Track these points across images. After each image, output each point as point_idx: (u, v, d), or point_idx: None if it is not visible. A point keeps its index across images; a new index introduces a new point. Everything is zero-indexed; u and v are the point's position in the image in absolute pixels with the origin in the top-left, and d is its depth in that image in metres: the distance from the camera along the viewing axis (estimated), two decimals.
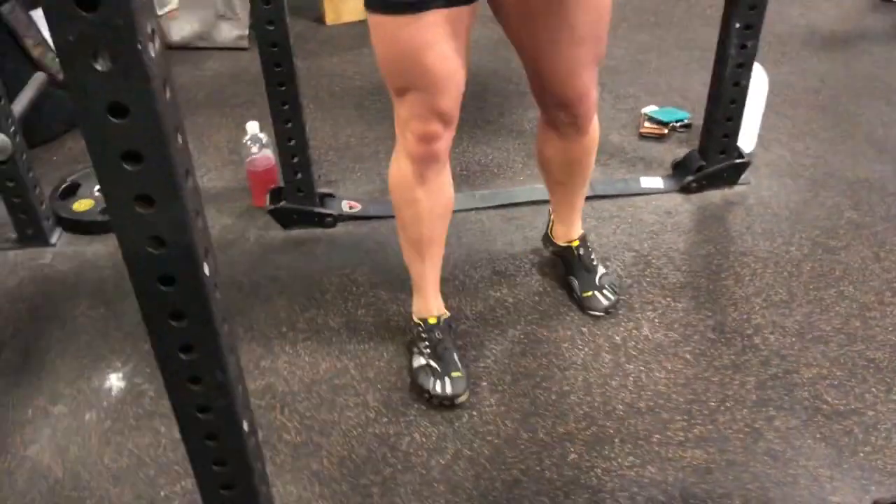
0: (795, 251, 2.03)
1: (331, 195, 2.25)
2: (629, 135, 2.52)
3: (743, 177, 2.25)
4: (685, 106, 2.60)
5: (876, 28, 3.08)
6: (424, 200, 1.59)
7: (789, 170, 2.32)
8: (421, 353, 1.72)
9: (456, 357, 1.71)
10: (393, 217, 2.13)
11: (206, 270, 0.85)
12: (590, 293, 1.87)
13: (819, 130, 2.48)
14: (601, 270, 1.91)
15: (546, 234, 2.00)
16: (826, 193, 2.22)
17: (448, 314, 1.78)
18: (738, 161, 2.20)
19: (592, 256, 1.92)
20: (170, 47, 3.17)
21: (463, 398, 1.67)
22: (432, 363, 1.70)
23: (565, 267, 1.95)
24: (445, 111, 1.43)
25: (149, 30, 0.69)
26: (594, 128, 1.68)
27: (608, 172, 2.36)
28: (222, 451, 0.96)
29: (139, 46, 0.67)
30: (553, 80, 1.52)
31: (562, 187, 1.84)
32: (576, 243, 1.91)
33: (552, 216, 1.95)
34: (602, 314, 1.86)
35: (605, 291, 1.87)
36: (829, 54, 2.90)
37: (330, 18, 3.32)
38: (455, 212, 2.18)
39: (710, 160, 2.19)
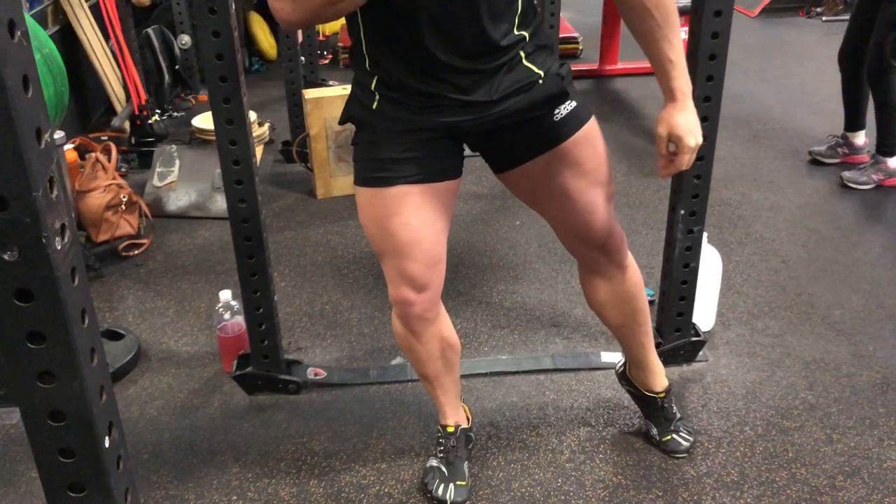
0: (749, 430, 2.04)
1: (297, 362, 2.30)
2: None
3: (701, 354, 2.30)
4: (650, 283, 2.69)
5: (837, 213, 3.22)
6: (420, 349, 1.75)
7: (747, 348, 2.37)
8: (435, 455, 1.90)
9: (465, 467, 1.89)
10: (357, 384, 2.24)
11: (108, 444, 0.90)
12: (669, 437, 1.97)
13: (778, 310, 2.55)
14: (678, 415, 1.99)
15: (623, 372, 2.05)
16: (782, 373, 2.25)
17: (467, 426, 1.95)
18: (693, 339, 2.26)
19: (675, 409, 2.00)
20: (166, 216, 3.33)
21: None
22: (442, 467, 1.87)
23: (644, 410, 2.03)
24: (413, 276, 1.59)
25: (57, 226, 0.77)
26: (632, 261, 1.80)
27: (570, 346, 2.41)
28: None
29: (44, 241, 0.75)
30: (579, 226, 1.66)
31: (625, 330, 1.90)
32: (661, 395, 1.99)
33: (625, 358, 2.02)
34: (684, 455, 1.95)
35: (682, 434, 1.97)
36: (791, 237, 3.01)
37: (320, 193, 3.51)
38: (410, 381, 2.24)
39: (667, 338, 2.25)
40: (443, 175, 1.55)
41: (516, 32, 1.42)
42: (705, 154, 2.02)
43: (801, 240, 2.99)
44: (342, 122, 1.58)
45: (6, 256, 0.75)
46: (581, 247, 1.73)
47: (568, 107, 1.53)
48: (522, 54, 1.45)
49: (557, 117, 1.52)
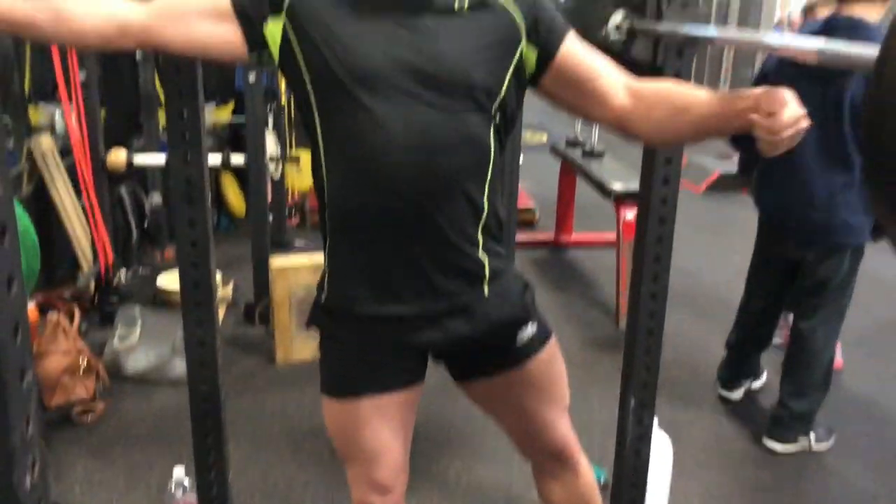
0: None
1: None
2: None
3: None
4: (603, 463, 2.72)
5: None
6: None
7: None
8: None
9: None
10: None
11: None
12: None
13: (731, 498, 2.59)
14: None
15: None
16: None
17: None
18: None
19: None
20: (123, 378, 3.31)
21: None
22: None
23: None
24: (379, 483, 1.60)
25: (28, 462, 0.81)
26: (585, 464, 1.82)
27: None
28: None
29: (15, 481, 0.79)
30: (534, 438, 1.72)
31: None
32: None
33: None
34: None
35: None
36: (742, 420, 3.09)
37: (280, 358, 3.53)
38: None
39: None
40: (408, 383, 1.59)
41: (480, 255, 1.48)
42: (653, 349, 2.11)
43: (751, 425, 3.06)
44: (308, 325, 1.63)
45: None
46: (535, 454, 1.79)
47: (530, 330, 1.59)
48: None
49: (519, 342, 1.58)
